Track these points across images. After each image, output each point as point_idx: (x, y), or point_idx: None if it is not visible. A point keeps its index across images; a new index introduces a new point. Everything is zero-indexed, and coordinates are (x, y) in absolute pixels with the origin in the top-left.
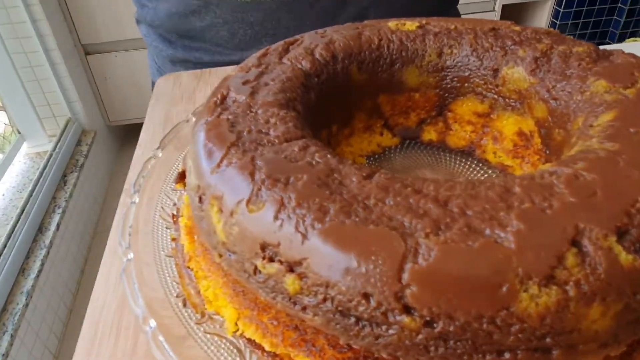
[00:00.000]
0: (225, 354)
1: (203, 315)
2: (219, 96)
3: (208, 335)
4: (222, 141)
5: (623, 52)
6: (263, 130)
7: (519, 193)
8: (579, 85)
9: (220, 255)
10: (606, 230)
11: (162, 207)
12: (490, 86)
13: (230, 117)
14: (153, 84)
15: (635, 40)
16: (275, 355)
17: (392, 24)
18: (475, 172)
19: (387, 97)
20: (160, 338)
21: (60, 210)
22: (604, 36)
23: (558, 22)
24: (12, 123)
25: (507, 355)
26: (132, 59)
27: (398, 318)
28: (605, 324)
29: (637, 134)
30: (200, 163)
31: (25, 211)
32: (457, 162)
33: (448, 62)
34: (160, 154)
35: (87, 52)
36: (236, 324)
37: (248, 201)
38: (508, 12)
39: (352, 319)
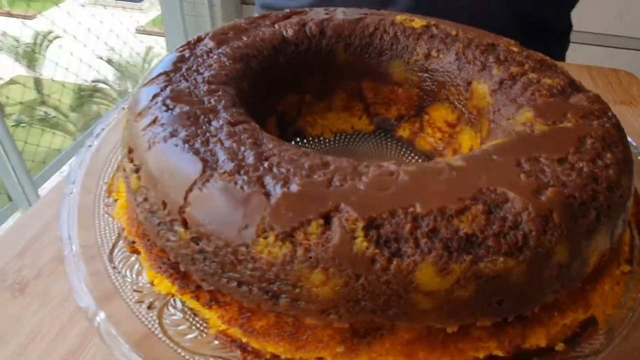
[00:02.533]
0: (109, 233)
1: (116, 200)
2: (197, 37)
3: (106, 215)
4: (161, 68)
5: (594, 96)
6: (200, 71)
7: (329, 169)
8: (512, 113)
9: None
10: (358, 216)
11: None
12: (461, 97)
13: (187, 54)
14: None
15: None
16: (129, 242)
17: (400, 17)
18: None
19: (371, 84)
20: (74, 203)
21: None
22: None
23: None
24: (168, 48)
25: (244, 287)
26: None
27: (178, 228)
28: (326, 292)
29: (494, 161)
30: (142, 80)
31: None
32: None
33: (432, 65)
34: None
35: (243, 1)
36: (120, 211)
37: (139, 114)
38: None
39: (157, 220)
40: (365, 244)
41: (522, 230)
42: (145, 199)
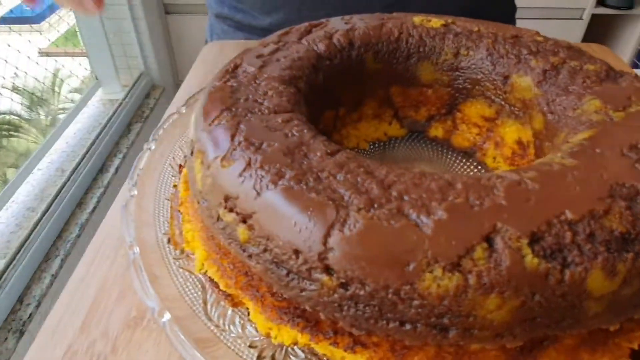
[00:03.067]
0: (191, 287)
1: (182, 252)
2: (232, 65)
3: (181, 270)
4: (220, 104)
5: (635, 76)
6: (259, 100)
7: (458, 189)
8: (575, 102)
9: (198, 202)
10: (520, 233)
11: (173, 157)
12: (499, 92)
13: (235, 84)
14: (206, 41)
15: None
16: (227, 295)
17: (417, 19)
18: (471, 174)
19: (399, 88)
20: (140, 264)
21: (121, 156)
22: None
23: None
24: (92, 70)
25: (408, 326)
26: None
27: (319, 276)
28: (501, 316)
29: (601, 154)
30: (197, 120)
31: (90, 151)
32: (457, 161)
33: (463, 63)
34: (183, 110)
35: (167, 11)
36: (203, 264)
37: (223, 158)
38: (597, 23)
39: (284, 271)
40: (536, 260)
41: None
42: (265, 250)
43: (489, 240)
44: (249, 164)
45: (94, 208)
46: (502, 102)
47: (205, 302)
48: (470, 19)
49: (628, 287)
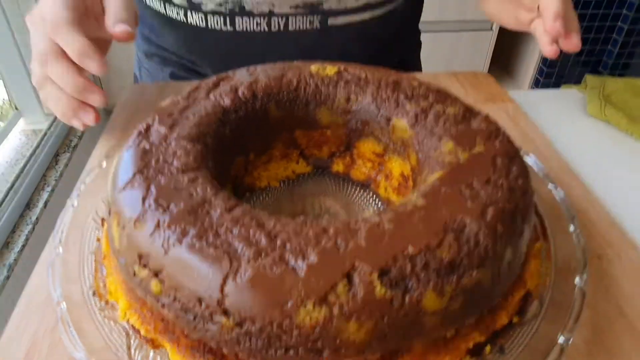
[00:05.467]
0: (116, 336)
1: (107, 302)
2: (145, 126)
3: (106, 320)
4: (132, 168)
5: (485, 118)
6: (168, 161)
7: (331, 234)
8: (436, 144)
9: (117, 259)
10: (372, 269)
11: (96, 211)
12: (384, 132)
13: (147, 146)
14: (134, 75)
15: (570, 87)
16: (149, 339)
17: (314, 67)
18: (367, 203)
19: (302, 132)
20: (68, 319)
21: (49, 189)
22: (597, 65)
23: None
24: (10, 98)
25: (291, 352)
26: (133, 47)
27: (219, 318)
28: (361, 336)
29: (444, 194)
30: (113, 183)
31: (14, 186)
32: (356, 193)
33: (354, 107)
34: (104, 165)
35: None
36: (126, 313)
37: (136, 220)
38: (506, 33)
39: (191, 316)
40: (383, 290)
41: (483, 246)
42: (175, 299)
43: (349, 276)
44: (158, 225)
45: (23, 247)
46: (387, 141)
47: (129, 347)
48: (360, 65)
49: (455, 302)
